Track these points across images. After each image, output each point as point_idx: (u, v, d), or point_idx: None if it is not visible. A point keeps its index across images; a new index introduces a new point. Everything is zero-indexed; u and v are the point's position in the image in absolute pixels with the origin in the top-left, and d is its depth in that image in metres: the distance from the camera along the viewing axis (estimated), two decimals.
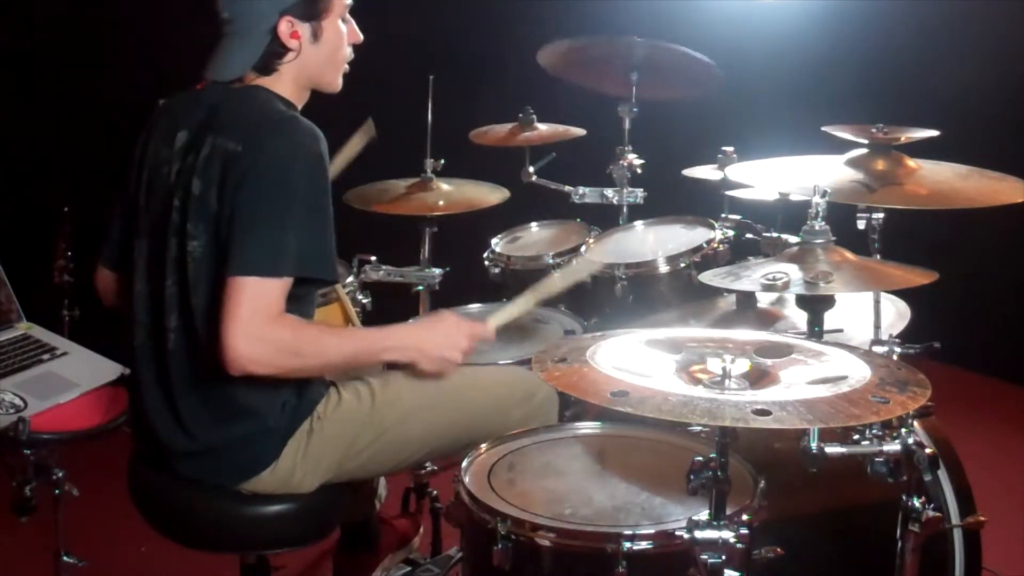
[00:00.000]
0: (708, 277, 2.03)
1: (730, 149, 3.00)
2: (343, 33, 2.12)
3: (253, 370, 1.90)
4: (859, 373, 1.65)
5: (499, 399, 2.22)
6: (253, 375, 1.91)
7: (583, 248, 2.87)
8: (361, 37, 2.17)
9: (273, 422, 2.03)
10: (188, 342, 1.99)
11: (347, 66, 2.16)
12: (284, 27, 2.03)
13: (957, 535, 2.09)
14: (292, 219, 1.93)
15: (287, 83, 2.08)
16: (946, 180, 2.08)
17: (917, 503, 1.72)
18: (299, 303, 1.99)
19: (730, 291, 2.51)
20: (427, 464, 2.84)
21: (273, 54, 2.05)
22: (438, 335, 2.15)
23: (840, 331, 2.18)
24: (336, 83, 2.16)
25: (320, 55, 2.09)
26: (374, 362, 2.15)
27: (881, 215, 2.13)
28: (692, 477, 1.62)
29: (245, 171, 1.93)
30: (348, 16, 2.14)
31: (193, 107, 2.07)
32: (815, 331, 2.00)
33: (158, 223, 2.03)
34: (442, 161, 3.05)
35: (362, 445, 2.12)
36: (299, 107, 2.11)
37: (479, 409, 2.19)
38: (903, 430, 1.70)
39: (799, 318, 2.19)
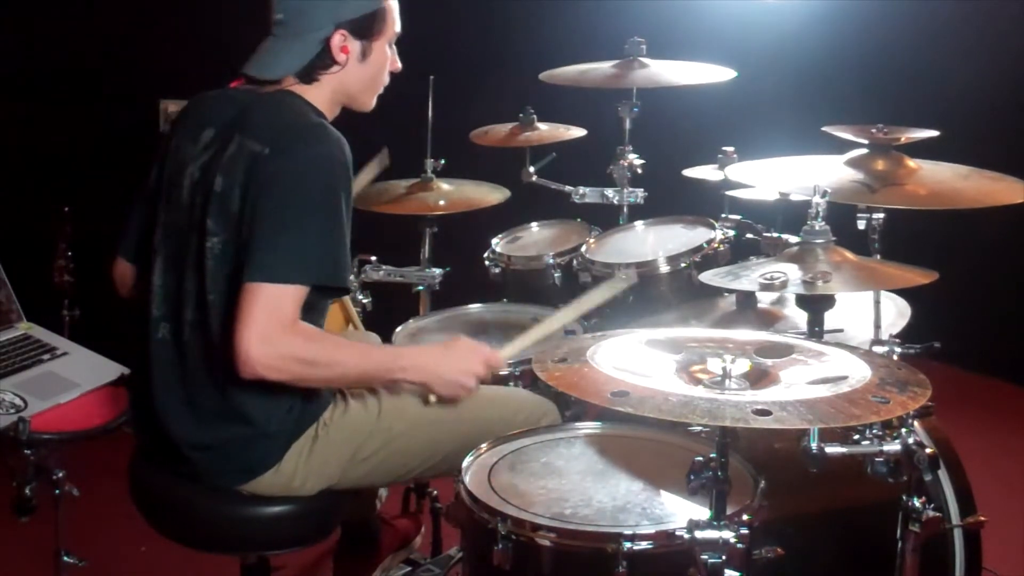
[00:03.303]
0: (708, 277, 2.03)
1: (730, 149, 3.00)
2: (388, 58, 2.14)
3: (264, 375, 1.90)
4: (859, 373, 1.65)
5: (504, 418, 2.20)
6: (261, 380, 1.91)
7: (583, 248, 2.86)
8: (400, 66, 2.19)
9: (277, 426, 2.03)
10: (202, 337, 2.00)
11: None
12: (337, 40, 2.04)
13: (957, 535, 2.09)
14: (313, 228, 1.93)
15: (323, 94, 2.09)
16: (946, 180, 2.08)
17: (917, 503, 1.72)
18: (311, 311, 1.99)
19: (730, 291, 2.51)
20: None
21: (319, 64, 2.06)
22: (454, 360, 2.13)
23: (840, 331, 2.18)
24: (370, 104, 2.18)
25: (364, 74, 2.11)
26: (387, 381, 2.13)
27: (881, 215, 2.12)
28: (692, 477, 1.62)
29: (270, 176, 1.93)
30: (393, 44, 2.15)
31: (223, 105, 2.07)
32: (815, 331, 2.00)
33: (179, 218, 2.04)
34: (442, 161, 3.05)
35: (366, 454, 2.11)
36: (329, 119, 2.11)
37: (484, 426, 2.16)
38: (903, 430, 1.70)
39: (799, 318, 2.19)
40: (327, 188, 1.95)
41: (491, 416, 2.20)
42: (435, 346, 2.22)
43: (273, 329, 1.89)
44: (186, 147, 2.06)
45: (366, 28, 2.07)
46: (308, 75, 2.07)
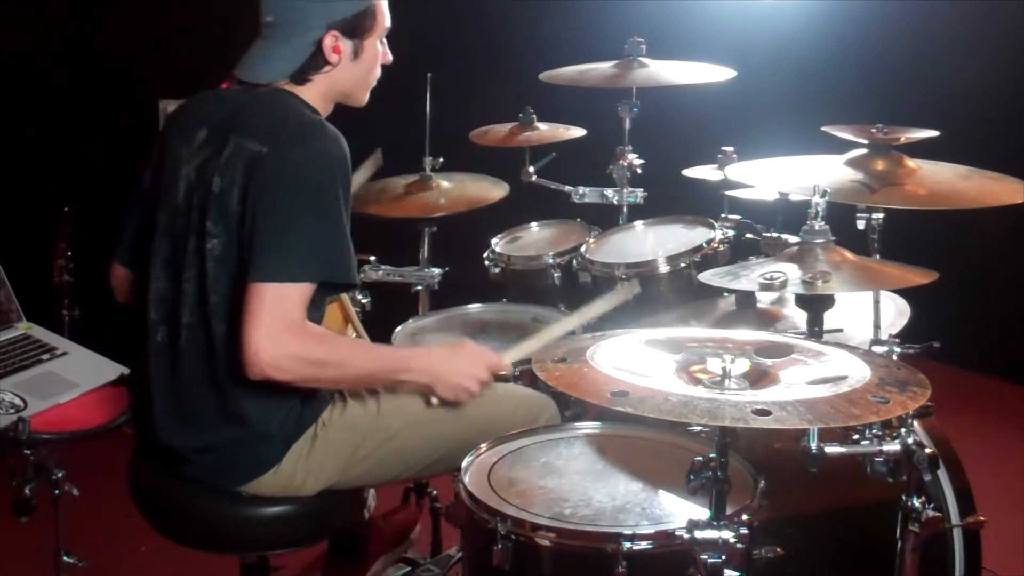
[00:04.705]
0: (708, 277, 2.03)
1: (730, 149, 3.00)
2: (379, 54, 2.15)
3: (273, 375, 1.90)
4: (859, 373, 1.65)
5: (504, 416, 2.20)
6: (268, 380, 1.91)
7: (583, 248, 2.86)
8: (391, 59, 2.19)
9: (277, 427, 2.03)
10: (201, 340, 2.00)
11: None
12: (329, 41, 2.04)
13: (957, 535, 2.09)
14: (315, 224, 1.94)
15: (316, 93, 2.09)
16: (946, 180, 2.08)
17: (917, 503, 1.72)
18: (313, 305, 1.98)
19: (730, 291, 2.51)
20: None
21: (312, 66, 2.06)
22: (459, 363, 2.14)
23: (840, 331, 2.18)
24: (363, 100, 2.19)
25: (356, 72, 2.11)
26: (391, 382, 2.15)
27: (881, 215, 2.12)
28: (692, 477, 1.62)
29: (270, 175, 1.93)
30: (384, 38, 2.15)
31: (215, 106, 2.07)
32: (815, 331, 2.00)
33: (177, 221, 2.03)
34: (441, 159, 3.05)
35: (365, 452, 2.11)
36: (324, 116, 2.11)
37: (483, 424, 2.16)
38: (903, 430, 1.70)
39: (799, 318, 2.19)
40: (327, 184, 1.95)
41: (490, 414, 2.19)
42: (442, 348, 2.23)
43: (281, 329, 1.89)
44: (180, 149, 2.05)
45: (357, 27, 2.07)
46: (301, 76, 2.06)
